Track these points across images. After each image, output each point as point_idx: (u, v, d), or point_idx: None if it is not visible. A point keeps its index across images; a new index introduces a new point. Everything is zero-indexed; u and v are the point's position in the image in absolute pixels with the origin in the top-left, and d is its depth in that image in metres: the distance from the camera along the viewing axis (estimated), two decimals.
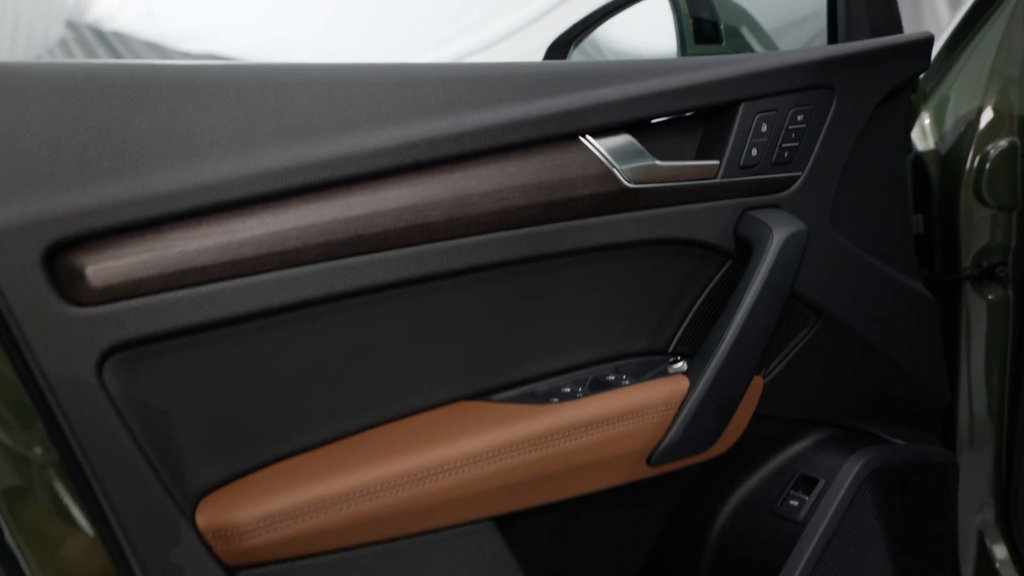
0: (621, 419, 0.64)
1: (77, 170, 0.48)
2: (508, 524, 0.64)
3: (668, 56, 1.00)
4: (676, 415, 0.66)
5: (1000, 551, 1.08)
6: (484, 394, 0.65)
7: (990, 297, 1.04)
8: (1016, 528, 1.06)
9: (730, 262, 0.75)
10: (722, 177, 0.73)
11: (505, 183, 0.62)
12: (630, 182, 0.67)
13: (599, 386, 0.68)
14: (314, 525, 0.53)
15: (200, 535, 0.51)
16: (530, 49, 3.86)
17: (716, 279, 0.75)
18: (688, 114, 0.73)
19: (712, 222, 0.73)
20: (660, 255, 0.73)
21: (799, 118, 0.76)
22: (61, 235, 0.47)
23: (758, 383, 0.73)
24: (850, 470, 0.79)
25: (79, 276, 0.48)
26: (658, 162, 0.69)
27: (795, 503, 0.81)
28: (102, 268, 0.48)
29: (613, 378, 0.70)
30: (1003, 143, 1.00)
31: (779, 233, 0.71)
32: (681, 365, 0.71)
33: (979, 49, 1.04)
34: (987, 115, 1.01)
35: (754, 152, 0.74)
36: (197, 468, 0.53)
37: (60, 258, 0.48)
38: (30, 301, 0.46)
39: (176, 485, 0.51)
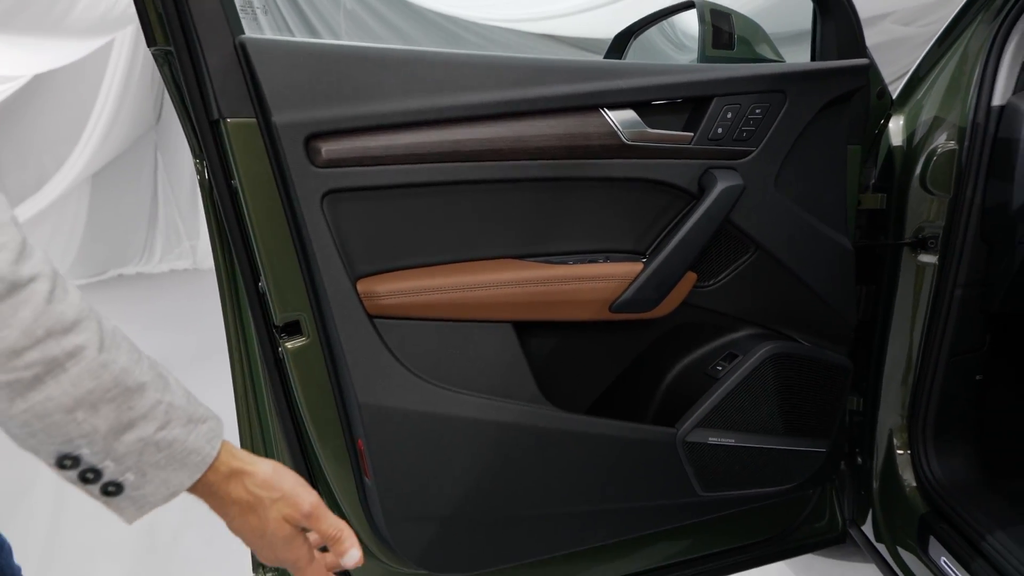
0: (595, 279, 1.10)
1: (323, 100, 0.97)
2: (522, 332, 1.12)
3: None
4: (630, 284, 1.12)
5: (903, 448, 1.48)
6: (520, 256, 1.12)
7: (921, 261, 1.41)
8: (915, 432, 1.45)
9: (694, 201, 1.18)
10: (695, 144, 1.15)
11: (547, 131, 1.08)
12: (628, 140, 1.11)
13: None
14: (414, 301, 1.03)
15: (358, 295, 1.02)
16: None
17: (684, 211, 1.18)
18: (678, 101, 1.16)
19: (684, 173, 1.16)
20: (646, 190, 1.16)
21: (757, 111, 1.17)
22: (313, 131, 0.97)
23: (691, 276, 1.17)
24: (758, 350, 1.23)
25: (319, 152, 0.98)
26: (649, 129, 1.13)
27: (720, 368, 1.24)
28: (329, 149, 0.98)
29: (603, 261, 1.15)
30: (947, 146, 1.35)
31: (721, 184, 1.14)
32: (647, 260, 1.16)
33: (945, 69, 1.38)
34: (939, 123, 1.37)
35: (720, 130, 1.16)
36: (361, 262, 1.03)
37: (311, 142, 0.98)
38: (296, 164, 0.97)
39: (350, 267, 1.02)
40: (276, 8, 4.66)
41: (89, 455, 0.62)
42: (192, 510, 0.77)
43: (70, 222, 5.53)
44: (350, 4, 4.75)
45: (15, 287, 0.56)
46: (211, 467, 0.69)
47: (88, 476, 0.63)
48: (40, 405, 0.58)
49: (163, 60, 1.00)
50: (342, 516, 1.15)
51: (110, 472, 0.63)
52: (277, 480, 0.73)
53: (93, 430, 0.61)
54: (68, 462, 0.62)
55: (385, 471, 1.06)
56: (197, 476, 0.68)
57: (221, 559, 2.05)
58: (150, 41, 0.98)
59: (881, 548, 1.52)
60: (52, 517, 2.29)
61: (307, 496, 0.74)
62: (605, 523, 1.21)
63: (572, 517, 1.17)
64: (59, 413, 0.59)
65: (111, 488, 0.64)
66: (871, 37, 1.43)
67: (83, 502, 0.69)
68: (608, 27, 1.88)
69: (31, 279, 0.57)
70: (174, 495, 0.67)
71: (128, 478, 0.64)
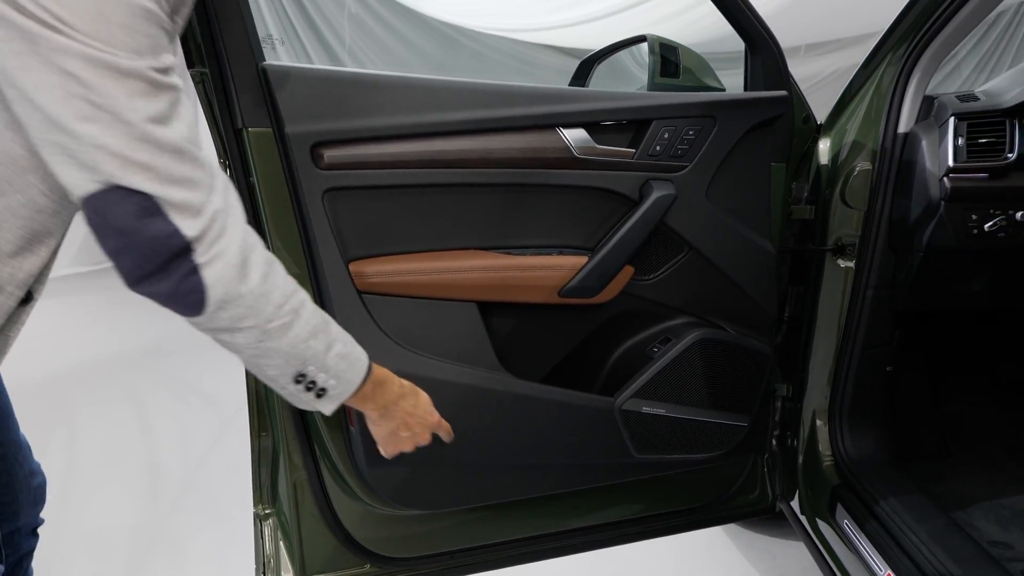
0: (546, 268, 1.36)
1: (327, 115, 1.22)
2: (485, 311, 1.37)
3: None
4: (576, 273, 1.37)
5: (824, 426, 1.72)
6: (485, 248, 1.37)
7: (840, 264, 1.66)
8: (834, 415, 1.70)
9: (635, 207, 1.43)
10: (636, 159, 1.40)
11: (511, 145, 1.32)
12: (579, 154, 1.36)
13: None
14: (396, 281, 1.28)
15: (350, 274, 1.27)
16: (646, 21, 4.48)
17: (626, 215, 1.43)
18: (623, 122, 1.41)
19: (628, 183, 1.41)
20: (594, 197, 1.41)
21: (690, 133, 1.42)
22: (317, 140, 1.22)
23: (629, 269, 1.42)
24: (687, 335, 1.48)
25: (322, 157, 1.23)
26: (597, 145, 1.38)
27: (656, 349, 1.49)
28: (331, 155, 1.23)
29: (555, 254, 1.40)
30: (862, 166, 1.60)
31: (656, 193, 1.39)
32: (591, 254, 1.41)
33: (864, 99, 1.64)
34: (857, 146, 1.62)
35: (658, 148, 1.41)
36: (353, 247, 1.28)
37: (315, 149, 1.23)
38: (303, 166, 1.22)
39: (344, 251, 1.27)
40: (283, 11, 4.93)
41: (312, 371, 0.97)
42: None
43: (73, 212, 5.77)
44: (354, 8, 5.02)
45: (270, 263, 0.89)
46: (369, 371, 1.07)
47: (310, 386, 0.99)
48: (294, 337, 0.92)
49: (199, 79, 1.25)
50: (330, 460, 1.40)
51: (321, 380, 0.99)
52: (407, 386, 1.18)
53: (317, 352, 0.96)
54: (301, 378, 0.97)
55: (366, 421, 1.31)
56: (364, 373, 1.06)
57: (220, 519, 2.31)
58: (189, 64, 1.23)
59: (804, 520, 1.77)
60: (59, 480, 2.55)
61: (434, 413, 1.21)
62: (551, 476, 1.46)
63: (522, 468, 1.42)
64: (302, 343, 0.93)
65: (320, 392, 1.00)
66: (861, 54, 1.66)
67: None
68: (600, 39, 2.12)
69: (273, 259, 0.90)
70: (353, 390, 1.05)
71: (331, 383, 1.01)
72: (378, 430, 1.18)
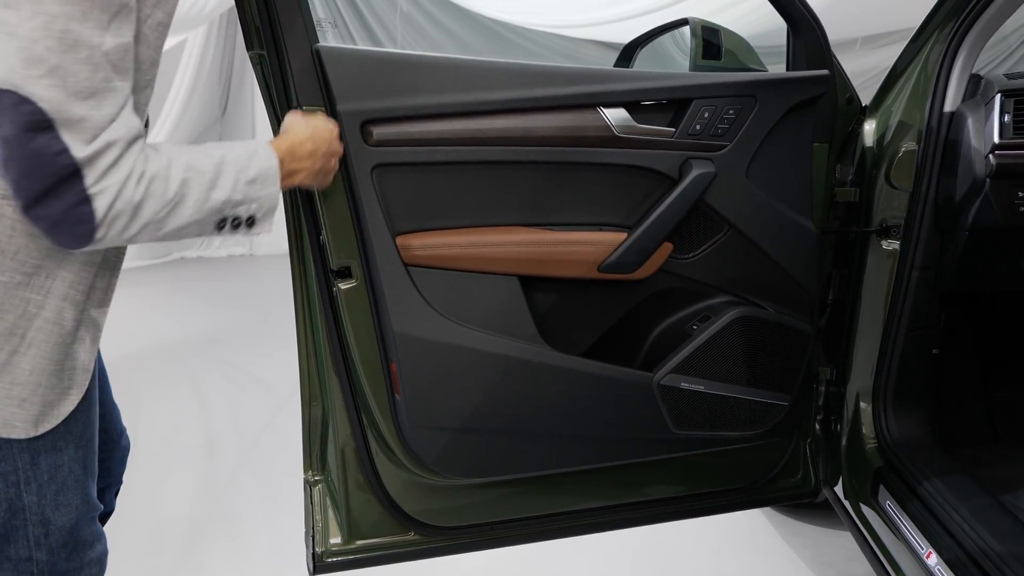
0: (586, 244, 1.40)
1: (376, 94, 1.28)
2: (527, 285, 1.41)
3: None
4: (615, 249, 1.41)
5: (868, 408, 1.72)
6: (527, 224, 1.42)
7: (885, 246, 1.66)
8: (878, 398, 1.69)
9: (674, 184, 1.46)
10: (676, 138, 1.44)
11: (552, 124, 1.37)
12: (619, 133, 1.40)
13: None
14: (441, 254, 1.34)
15: (397, 247, 1.33)
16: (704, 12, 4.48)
17: (665, 192, 1.46)
18: (663, 102, 1.44)
19: (667, 162, 1.44)
20: (634, 175, 1.44)
21: (731, 112, 1.45)
22: (367, 118, 1.28)
23: (667, 246, 1.45)
24: (726, 313, 1.50)
25: (371, 134, 1.29)
26: (637, 124, 1.41)
27: (695, 327, 1.52)
28: (379, 132, 1.29)
29: (596, 231, 1.44)
30: (908, 147, 1.60)
31: (696, 170, 1.42)
32: (630, 231, 1.45)
33: (911, 79, 1.64)
34: (903, 127, 1.62)
35: (698, 127, 1.44)
36: (400, 221, 1.34)
37: (365, 126, 1.29)
38: (353, 142, 1.28)
39: (391, 225, 1.33)
40: (336, 9, 5.07)
41: (229, 212, 0.97)
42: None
43: None
44: (406, 7, 5.13)
45: (152, 178, 0.88)
46: (278, 163, 1.05)
47: (236, 224, 0.99)
48: (194, 204, 0.92)
49: (257, 61, 1.33)
50: (376, 429, 1.46)
51: (243, 212, 0.99)
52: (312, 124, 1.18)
53: (224, 199, 0.96)
54: (222, 224, 0.97)
55: (411, 388, 1.37)
56: (277, 177, 1.04)
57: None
58: (249, 46, 1.31)
59: (847, 504, 1.77)
60: None
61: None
62: (590, 448, 1.50)
63: (561, 440, 1.47)
64: (204, 203, 0.93)
65: (250, 221, 1.01)
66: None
67: None
68: None
69: (152, 171, 0.90)
70: (278, 199, 1.05)
71: (253, 207, 1.00)
72: (318, 181, 1.21)
